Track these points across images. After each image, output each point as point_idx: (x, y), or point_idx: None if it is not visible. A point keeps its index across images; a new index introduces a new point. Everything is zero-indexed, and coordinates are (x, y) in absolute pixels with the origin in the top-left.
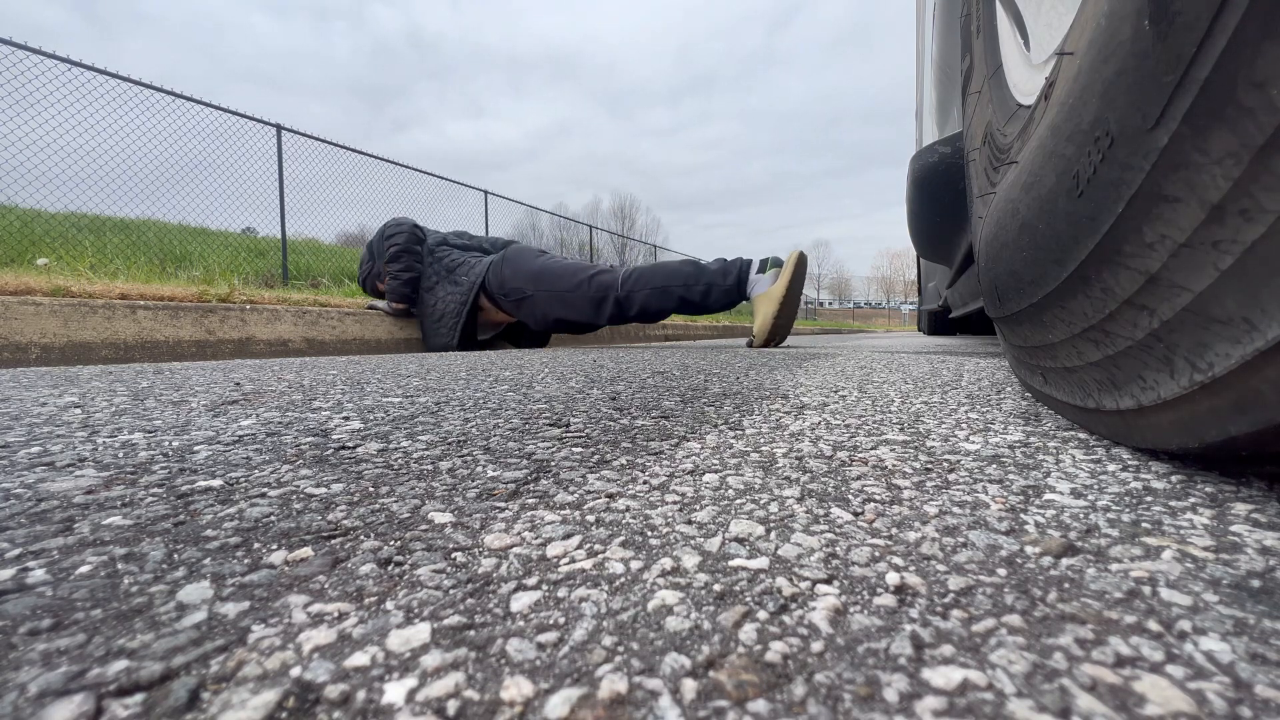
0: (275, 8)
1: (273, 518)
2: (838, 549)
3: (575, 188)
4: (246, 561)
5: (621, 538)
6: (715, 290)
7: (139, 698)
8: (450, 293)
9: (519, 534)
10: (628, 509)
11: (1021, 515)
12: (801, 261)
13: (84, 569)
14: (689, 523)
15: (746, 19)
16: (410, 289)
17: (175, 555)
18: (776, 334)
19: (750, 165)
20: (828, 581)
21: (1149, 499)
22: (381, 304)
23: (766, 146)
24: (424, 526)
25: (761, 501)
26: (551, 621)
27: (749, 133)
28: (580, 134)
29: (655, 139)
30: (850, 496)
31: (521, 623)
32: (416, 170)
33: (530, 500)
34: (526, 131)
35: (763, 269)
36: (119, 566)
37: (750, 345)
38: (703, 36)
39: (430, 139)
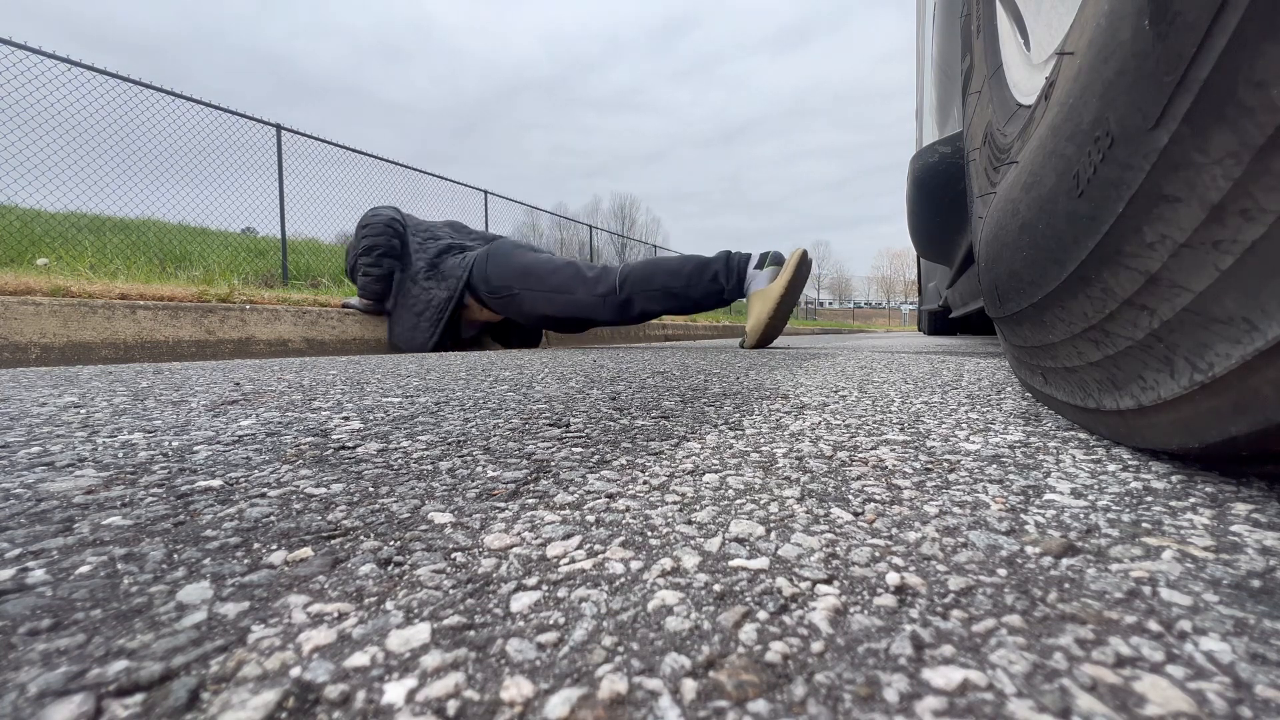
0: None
1: (272, 518)
2: (838, 549)
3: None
4: (246, 561)
5: (621, 538)
6: (715, 292)
7: (139, 698)
8: (436, 287)
9: (519, 534)
10: (628, 509)
11: (1022, 515)
12: (804, 261)
13: (84, 569)
14: (689, 523)
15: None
16: (382, 286)
17: (175, 555)
18: (770, 334)
19: (838, 181)
20: (828, 582)
21: (1149, 499)
22: (355, 301)
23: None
24: (424, 526)
25: (761, 502)
26: (551, 622)
27: (856, 157)
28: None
29: (762, 169)
30: (850, 496)
31: (521, 623)
32: (416, 170)
33: (530, 500)
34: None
35: (760, 264)
36: (119, 566)
37: (742, 345)
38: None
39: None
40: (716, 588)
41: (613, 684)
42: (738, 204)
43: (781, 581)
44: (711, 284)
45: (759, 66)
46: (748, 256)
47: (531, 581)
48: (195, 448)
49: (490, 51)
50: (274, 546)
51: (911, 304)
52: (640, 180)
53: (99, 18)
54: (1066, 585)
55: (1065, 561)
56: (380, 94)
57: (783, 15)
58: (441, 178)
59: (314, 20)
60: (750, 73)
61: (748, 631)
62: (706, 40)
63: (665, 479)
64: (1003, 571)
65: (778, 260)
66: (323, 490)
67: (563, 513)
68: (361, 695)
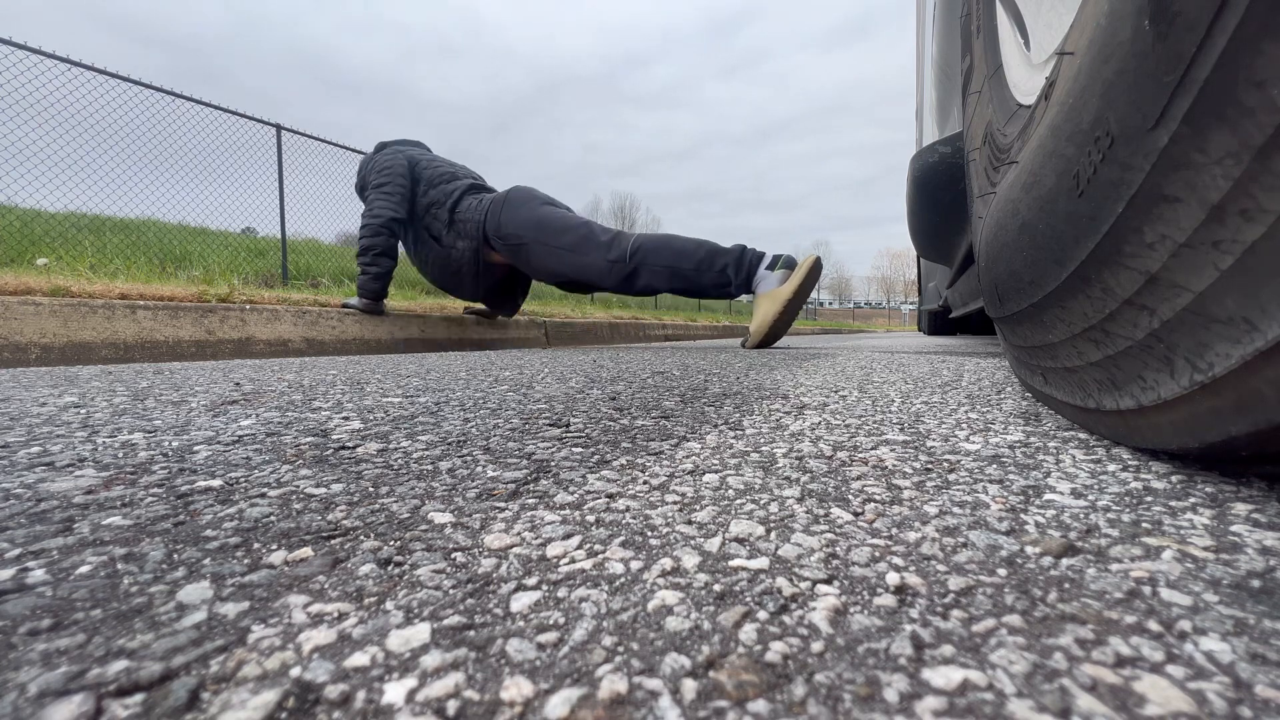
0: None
1: (273, 518)
2: (838, 549)
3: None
4: (246, 561)
5: (621, 538)
6: (723, 282)
7: (139, 698)
8: (460, 239)
9: (519, 534)
10: (628, 509)
11: (1022, 515)
12: (815, 267)
13: (84, 569)
14: (689, 523)
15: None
16: (380, 285)
17: (175, 555)
18: (774, 336)
19: (863, 179)
20: (828, 581)
21: (1149, 499)
22: (355, 301)
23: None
24: (424, 526)
25: (761, 501)
26: (551, 621)
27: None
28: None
29: (791, 167)
30: (850, 496)
31: (521, 623)
32: None
33: (530, 500)
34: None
35: (773, 266)
36: (119, 566)
37: (744, 345)
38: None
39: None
40: (716, 588)
41: (613, 684)
42: (758, 202)
43: (781, 581)
44: (720, 275)
45: (807, 62)
46: (761, 255)
47: (531, 581)
48: (195, 448)
49: (539, 48)
50: (274, 546)
51: (911, 304)
52: (668, 179)
53: (156, 18)
54: (1066, 585)
55: (1065, 561)
56: (424, 91)
57: (846, 8)
58: None
59: (362, 16)
60: (797, 69)
61: (748, 631)
62: (761, 35)
63: (665, 479)
64: (1003, 571)
65: (789, 264)
66: (323, 490)
67: (563, 513)
68: (361, 695)
